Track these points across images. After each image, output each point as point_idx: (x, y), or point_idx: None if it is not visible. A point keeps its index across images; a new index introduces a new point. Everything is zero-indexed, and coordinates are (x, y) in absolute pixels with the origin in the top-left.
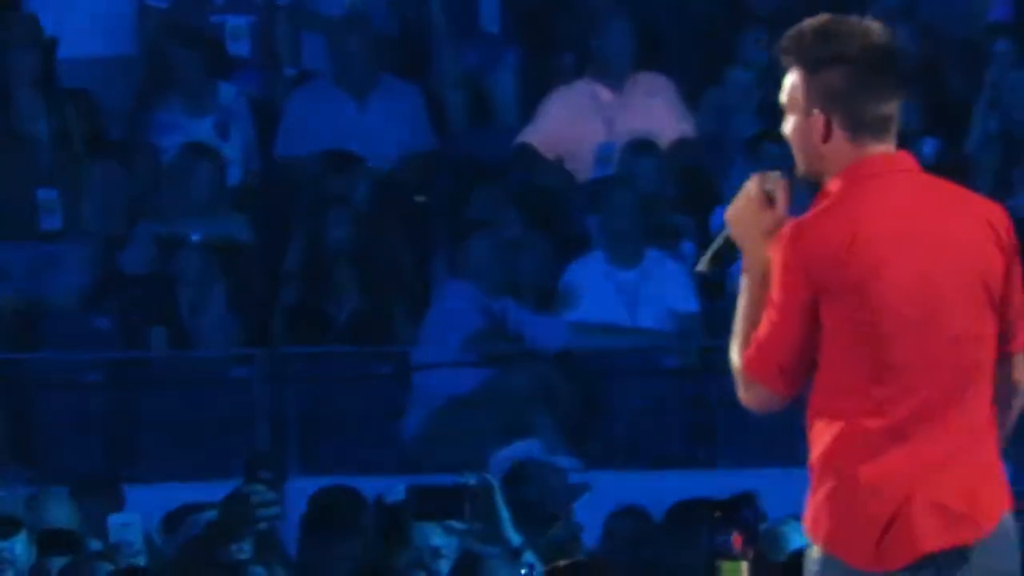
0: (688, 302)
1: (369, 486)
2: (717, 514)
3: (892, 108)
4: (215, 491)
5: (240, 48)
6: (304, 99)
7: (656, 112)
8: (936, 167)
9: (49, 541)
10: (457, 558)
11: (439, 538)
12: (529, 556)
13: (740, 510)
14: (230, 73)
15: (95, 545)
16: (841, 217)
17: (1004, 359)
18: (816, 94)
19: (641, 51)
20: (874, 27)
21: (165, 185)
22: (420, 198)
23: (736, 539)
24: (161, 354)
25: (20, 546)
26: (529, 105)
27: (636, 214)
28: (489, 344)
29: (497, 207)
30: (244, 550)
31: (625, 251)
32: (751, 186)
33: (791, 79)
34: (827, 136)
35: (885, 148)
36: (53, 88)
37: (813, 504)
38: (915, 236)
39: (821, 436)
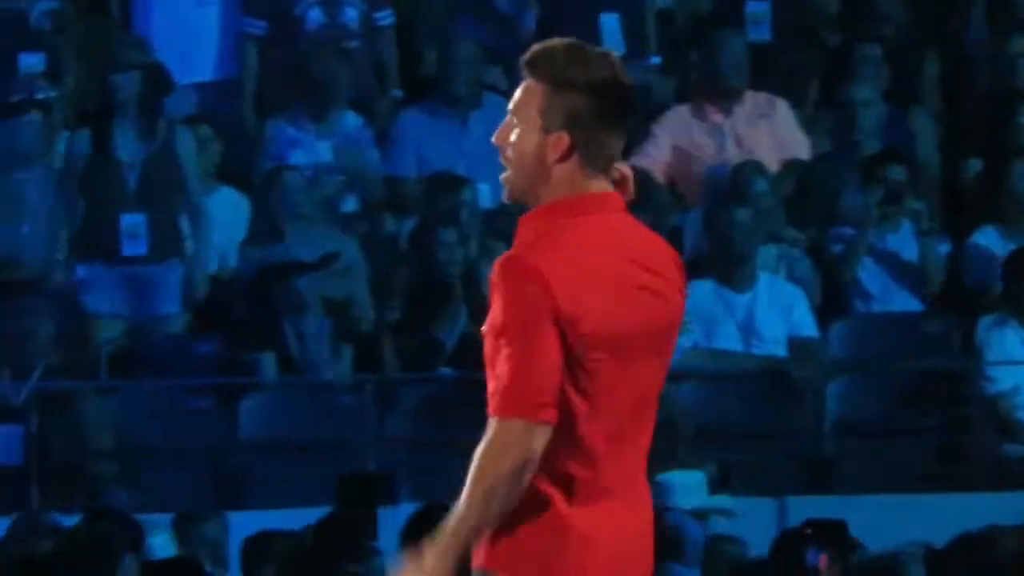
0: (806, 326)
1: None
2: (808, 531)
3: (620, 147)
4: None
5: (349, 70)
6: (411, 121)
7: (769, 133)
8: None
9: (156, 570)
10: None
11: None
12: None
13: (831, 531)
14: (341, 96)
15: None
16: (576, 250)
17: None
18: (559, 113)
19: (755, 70)
20: (617, 61)
21: (276, 208)
22: None
23: (823, 559)
24: (270, 380)
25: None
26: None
27: (749, 238)
28: None
29: None
30: None
31: (739, 274)
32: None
33: (529, 89)
34: (564, 158)
35: (607, 184)
36: (157, 112)
37: (506, 539)
38: (625, 279)
39: None
